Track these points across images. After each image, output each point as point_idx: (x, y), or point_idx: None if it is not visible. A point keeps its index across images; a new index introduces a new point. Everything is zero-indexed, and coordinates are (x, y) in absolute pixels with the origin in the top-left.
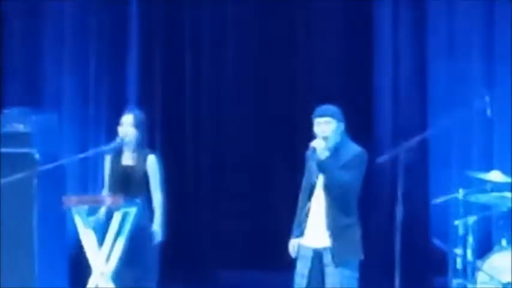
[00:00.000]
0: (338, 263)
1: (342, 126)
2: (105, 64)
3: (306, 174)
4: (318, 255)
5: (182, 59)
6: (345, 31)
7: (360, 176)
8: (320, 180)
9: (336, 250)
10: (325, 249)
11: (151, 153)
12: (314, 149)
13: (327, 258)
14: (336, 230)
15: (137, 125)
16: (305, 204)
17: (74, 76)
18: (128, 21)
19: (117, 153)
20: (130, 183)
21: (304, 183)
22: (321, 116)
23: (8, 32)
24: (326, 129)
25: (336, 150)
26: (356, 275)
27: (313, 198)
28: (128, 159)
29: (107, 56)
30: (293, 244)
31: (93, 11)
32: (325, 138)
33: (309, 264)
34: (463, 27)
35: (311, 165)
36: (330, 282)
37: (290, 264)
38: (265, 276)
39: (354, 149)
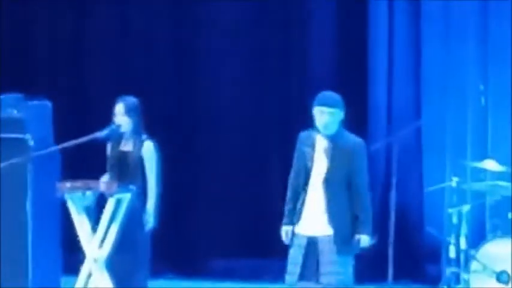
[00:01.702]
0: (338, 250)
1: (342, 115)
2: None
3: (298, 159)
4: (312, 243)
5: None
6: (339, 18)
7: (366, 169)
8: (318, 168)
9: (337, 238)
10: (321, 237)
11: (149, 139)
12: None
13: (323, 246)
14: (338, 218)
15: (129, 113)
16: (299, 191)
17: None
18: None
19: (117, 140)
20: (125, 169)
21: (297, 168)
22: (326, 105)
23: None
24: (329, 119)
25: (333, 138)
26: (352, 261)
27: (310, 186)
28: (125, 145)
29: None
30: (286, 230)
31: None
32: (325, 127)
33: (303, 251)
34: (458, 14)
35: (305, 151)
36: (326, 270)
37: (281, 252)
38: (257, 264)
39: (353, 140)
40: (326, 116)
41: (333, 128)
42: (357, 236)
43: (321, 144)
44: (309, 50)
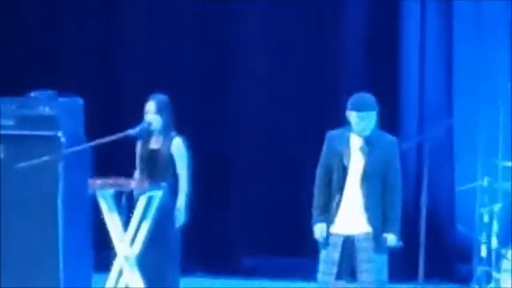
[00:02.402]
0: (373, 249)
1: (377, 115)
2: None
3: (329, 157)
4: (349, 241)
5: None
6: (372, 18)
7: (400, 168)
8: (354, 167)
9: (374, 236)
10: (358, 235)
11: (178, 136)
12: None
13: (361, 244)
14: (374, 216)
15: (160, 111)
16: (330, 189)
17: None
18: None
19: (146, 137)
20: (156, 167)
21: (327, 166)
22: (362, 110)
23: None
24: (367, 122)
25: (368, 137)
26: (386, 259)
27: (347, 185)
28: (155, 143)
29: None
30: (320, 228)
31: None
32: (364, 131)
33: (339, 250)
34: (489, 15)
35: (340, 150)
36: (363, 267)
37: (311, 250)
38: (287, 262)
39: (387, 138)
40: (363, 120)
41: (370, 130)
42: (385, 235)
43: (356, 143)
44: (341, 49)
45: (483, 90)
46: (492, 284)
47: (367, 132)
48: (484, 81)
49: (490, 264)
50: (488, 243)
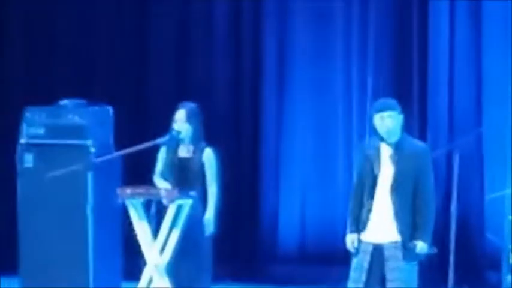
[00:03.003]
0: (406, 257)
1: (402, 118)
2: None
3: (362, 167)
4: (378, 249)
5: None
6: (400, 24)
7: (432, 175)
8: (384, 175)
9: (406, 244)
10: (387, 243)
11: (208, 146)
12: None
13: (390, 253)
14: (405, 225)
15: (190, 120)
16: (363, 198)
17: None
18: None
19: (174, 145)
20: (187, 176)
21: (360, 176)
22: (384, 110)
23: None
24: (390, 123)
25: (397, 144)
26: (417, 267)
27: (377, 193)
28: (184, 151)
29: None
30: (352, 239)
31: None
32: (389, 133)
33: (368, 258)
34: None
35: (370, 159)
36: (393, 276)
37: (341, 259)
38: (317, 271)
39: (417, 145)
40: (387, 120)
41: (396, 133)
42: (414, 242)
43: (386, 151)
44: (369, 56)
45: None
46: None
47: (393, 136)
48: None
49: None
50: None
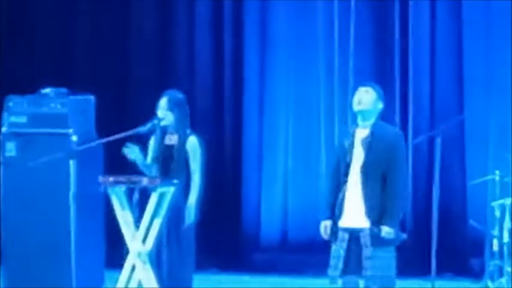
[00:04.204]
0: (377, 243)
1: (381, 105)
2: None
3: (337, 152)
4: (354, 236)
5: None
6: (381, 10)
7: (404, 162)
8: (356, 160)
9: (375, 231)
10: (362, 230)
11: (193, 134)
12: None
13: (365, 239)
14: (374, 211)
15: (173, 108)
16: (339, 185)
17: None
18: None
19: (160, 134)
20: (170, 163)
21: (336, 161)
22: (362, 85)
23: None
24: (363, 97)
25: (372, 130)
26: (394, 254)
27: (349, 179)
28: (169, 139)
29: None
30: (325, 225)
31: None
32: (360, 104)
33: (345, 245)
34: (500, 6)
35: (344, 143)
36: (368, 263)
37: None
38: (299, 259)
39: (391, 131)
40: (362, 94)
41: (368, 110)
42: (380, 227)
43: (360, 136)
44: (350, 43)
45: (494, 85)
46: (504, 278)
47: (365, 112)
48: (494, 76)
49: (502, 258)
50: (500, 237)
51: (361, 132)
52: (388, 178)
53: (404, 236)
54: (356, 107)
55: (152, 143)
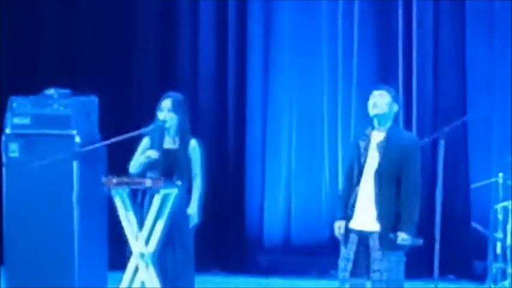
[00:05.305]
0: (389, 248)
1: (396, 107)
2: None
3: (352, 153)
4: (364, 238)
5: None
6: (385, 10)
7: (419, 167)
8: (370, 162)
9: (384, 234)
10: (372, 233)
11: (193, 137)
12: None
13: (374, 243)
14: (386, 214)
15: (176, 109)
16: (352, 187)
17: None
18: None
19: (158, 137)
20: (172, 167)
21: (350, 162)
22: (376, 89)
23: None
24: (378, 99)
25: (387, 133)
26: (403, 258)
27: (362, 181)
28: (169, 143)
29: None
30: (339, 225)
31: None
32: (375, 108)
33: (354, 248)
34: (504, 7)
35: (360, 145)
36: (376, 266)
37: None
38: (303, 260)
39: (408, 136)
40: (376, 97)
41: (384, 113)
42: (397, 233)
43: (375, 138)
44: (354, 45)
45: (497, 87)
46: (507, 280)
47: (380, 116)
48: (497, 78)
49: (505, 261)
50: (503, 240)
51: (377, 136)
52: (403, 183)
53: (420, 241)
54: (372, 111)
55: (145, 143)
